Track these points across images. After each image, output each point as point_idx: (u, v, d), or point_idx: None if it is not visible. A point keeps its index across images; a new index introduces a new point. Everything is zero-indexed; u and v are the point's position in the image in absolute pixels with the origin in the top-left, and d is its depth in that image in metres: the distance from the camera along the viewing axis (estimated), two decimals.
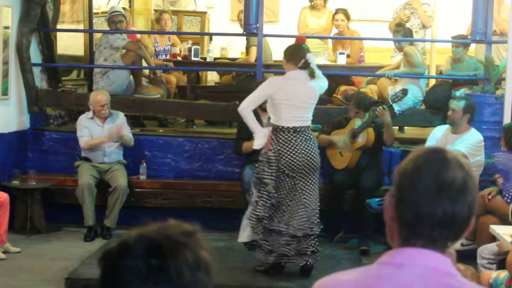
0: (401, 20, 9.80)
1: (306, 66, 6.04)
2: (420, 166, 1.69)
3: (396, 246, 1.72)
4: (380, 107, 7.29)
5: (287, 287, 5.86)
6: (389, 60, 9.85)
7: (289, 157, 6.01)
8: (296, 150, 6.00)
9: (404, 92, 7.53)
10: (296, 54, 6.14)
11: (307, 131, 6.09)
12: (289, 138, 6.00)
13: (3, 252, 6.70)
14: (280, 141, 6.02)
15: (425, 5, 10.15)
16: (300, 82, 6.03)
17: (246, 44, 9.83)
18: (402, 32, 8.65)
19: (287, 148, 6.01)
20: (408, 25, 9.50)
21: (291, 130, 6.01)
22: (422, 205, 1.66)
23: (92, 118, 7.67)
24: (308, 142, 6.06)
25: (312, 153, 6.06)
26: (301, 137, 6.02)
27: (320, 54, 9.75)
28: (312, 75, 6.04)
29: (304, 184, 6.08)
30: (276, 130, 6.05)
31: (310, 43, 9.86)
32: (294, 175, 6.03)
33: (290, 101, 5.98)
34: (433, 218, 1.66)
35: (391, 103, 7.45)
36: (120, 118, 7.81)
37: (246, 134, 7.53)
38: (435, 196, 1.66)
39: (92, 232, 7.43)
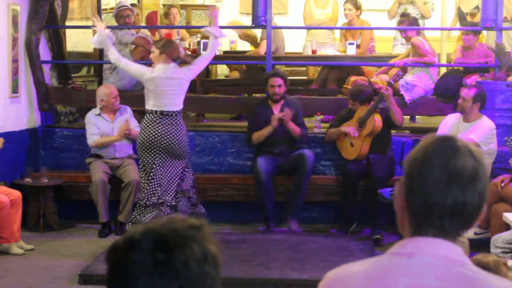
0: (399, 1, 9.79)
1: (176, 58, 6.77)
2: (430, 154, 1.68)
3: (407, 236, 1.71)
4: (385, 87, 7.30)
5: (300, 279, 5.86)
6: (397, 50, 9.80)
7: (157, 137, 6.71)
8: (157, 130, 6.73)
9: (404, 70, 7.56)
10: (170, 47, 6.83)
11: (175, 116, 6.79)
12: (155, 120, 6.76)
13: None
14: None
15: None
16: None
17: (260, 36, 9.83)
18: (407, 22, 8.59)
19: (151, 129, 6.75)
20: None
21: (157, 113, 6.74)
22: (432, 194, 1.65)
23: (99, 114, 7.67)
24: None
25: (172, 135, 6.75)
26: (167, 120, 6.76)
27: (328, 45, 9.73)
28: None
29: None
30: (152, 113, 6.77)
31: (317, 34, 9.86)
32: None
33: (161, 89, 6.72)
34: (444, 207, 1.64)
35: (393, 83, 7.47)
36: (128, 112, 7.82)
37: (256, 125, 7.57)
38: (445, 185, 1.64)
39: (106, 228, 7.44)
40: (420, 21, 9.68)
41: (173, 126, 6.75)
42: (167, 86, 6.74)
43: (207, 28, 7.14)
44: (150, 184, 6.76)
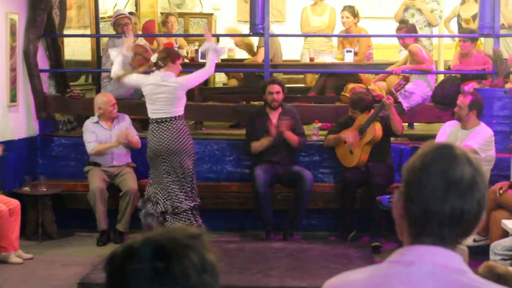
0: (407, 5, 9.75)
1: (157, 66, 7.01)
2: (428, 162, 1.67)
3: (406, 244, 1.71)
4: (386, 96, 7.31)
5: (299, 286, 5.85)
6: (397, 57, 9.80)
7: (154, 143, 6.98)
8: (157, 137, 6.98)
9: (406, 79, 7.56)
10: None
11: (170, 122, 6.97)
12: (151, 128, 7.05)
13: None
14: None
15: (433, 3, 10.02)
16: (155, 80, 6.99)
17: (258, 44, 9.84)
18: (405, 29, 8.59)
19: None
20: (413, 21, 9.44)
21: (154, 121, 7.00)
22: (430, 202, 1.64)
23: (97, 122, 7.68)
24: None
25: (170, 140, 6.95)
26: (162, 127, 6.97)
27: (325, 52, 9.73)
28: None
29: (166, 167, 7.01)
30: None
31: (314, 41, 9.87)
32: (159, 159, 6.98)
33: (152, 97, 6.98)
34: (442, 215, 1.64)
35: (394, 92, 7.47)
36: (126, 120, 7.83)
37: (255, 134, 7.56)
38: (444, 193, 1.64)
39: (105, 237, 7.43)
40: (427, 29, 9.67)
41: (170, 132, 6.94)
42: (157, 94, 6.95)
43: (210, 44, 7.27)
44: (170, 191, 6.97)
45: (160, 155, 6.96)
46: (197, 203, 7.12)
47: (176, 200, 6.98)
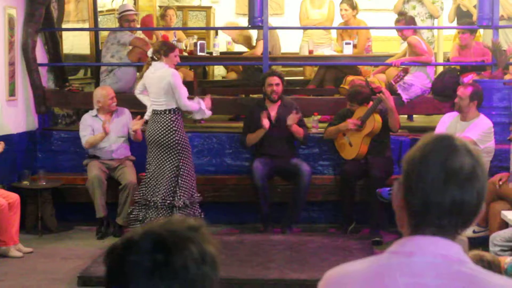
0: None
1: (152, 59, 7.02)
2: (428, 154, 1.67)
3: (406, 235, 1.71)
4: (381, 93, 7.29)
5: (299, 279, 5.86)
6: (397, 49, 9.78)
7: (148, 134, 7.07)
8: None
9: (405, 70, 7.55)
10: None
11: (162, 115, 6.98)
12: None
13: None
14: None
15: None
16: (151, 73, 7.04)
17: (256, 37, 9.82)
18: (403, 21, 8.57)
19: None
20: (415, 13, 9.42)
21: (152, 111, 7.06)
22: (430, 193, 1.64)
23: (96, 116, 7.68)
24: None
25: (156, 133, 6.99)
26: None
27: (324, 45, 9.72)
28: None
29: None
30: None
31: (313, 34, 9.85)
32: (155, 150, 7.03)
33: (148, 89, 7.08)
34: (442, 206, 1.64)
35: (393, 83, 7.46)
36: (126, 114, 7.82)
37: (252, 126, 7.56)
38: (443, 184, 1.63)
39: (104, 225, 7.43)
40: (429, 21, 9.63)
41: (159, 125, 6.94)
42: (151, 85, 7.00)
43: (201, 105, 7.13)
44: (144, 181, 7.10)
45: (149, 144, 7.05)
46: (181, 200, 6.99)
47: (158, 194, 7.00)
